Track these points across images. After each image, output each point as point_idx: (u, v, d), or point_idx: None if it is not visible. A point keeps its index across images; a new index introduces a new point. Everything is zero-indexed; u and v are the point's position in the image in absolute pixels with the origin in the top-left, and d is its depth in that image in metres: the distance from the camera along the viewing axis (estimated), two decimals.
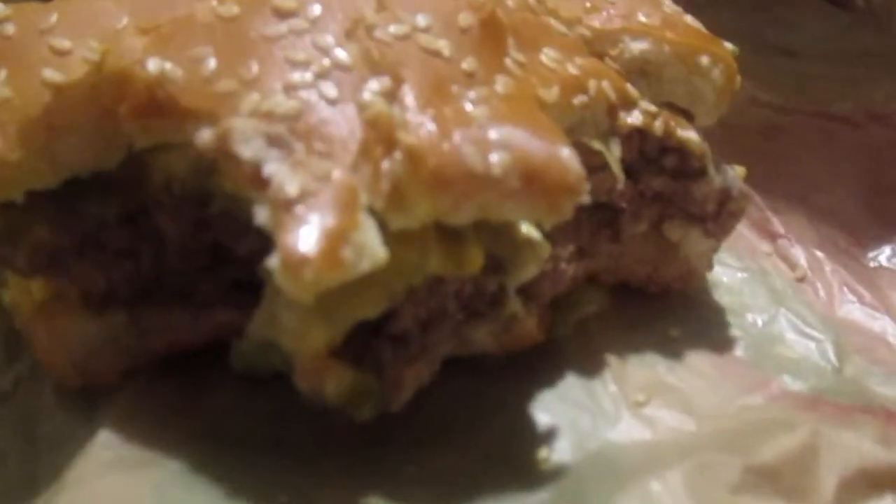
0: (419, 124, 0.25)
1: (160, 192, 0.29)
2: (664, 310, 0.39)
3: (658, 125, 0.34)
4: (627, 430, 0.31)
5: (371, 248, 0.23)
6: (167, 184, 0.29)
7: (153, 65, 0.25)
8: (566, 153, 0.26)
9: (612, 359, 0.35)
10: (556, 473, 0.28)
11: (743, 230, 0.43)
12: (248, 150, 0.24)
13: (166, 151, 0.28)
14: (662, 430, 0.31)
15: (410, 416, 0.30)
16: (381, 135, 0.25)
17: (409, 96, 0.25)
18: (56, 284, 0.27)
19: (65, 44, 0.26)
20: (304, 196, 0.23)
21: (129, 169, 0.29)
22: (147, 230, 0.29)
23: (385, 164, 0.24)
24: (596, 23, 0.35)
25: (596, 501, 0.24)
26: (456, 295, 0.29)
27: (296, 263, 0.22)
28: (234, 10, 0.27)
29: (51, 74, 0.25)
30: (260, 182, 0.24)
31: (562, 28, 0.34)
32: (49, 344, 0.29)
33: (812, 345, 0.37)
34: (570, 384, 0.34)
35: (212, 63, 0.26)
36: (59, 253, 0.27)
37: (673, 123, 0.35)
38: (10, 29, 0.27)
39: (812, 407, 0.31)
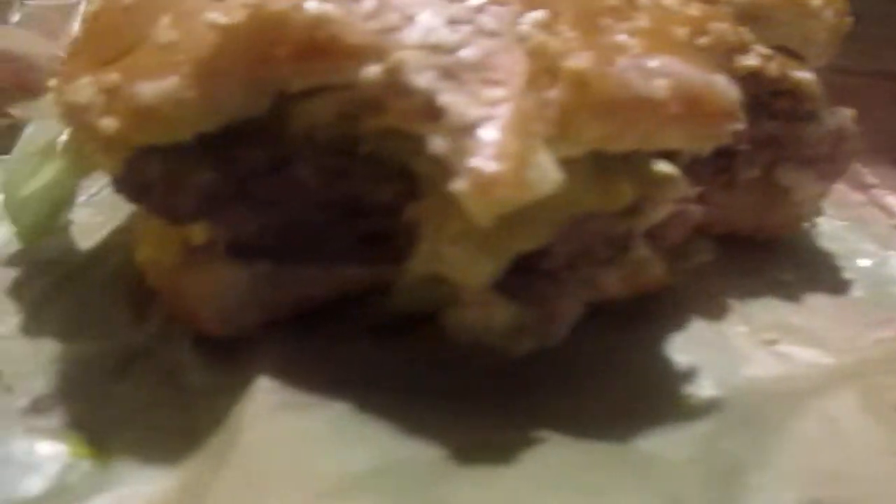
0: (581, 53, 0.25)
1: (301, 142, 0.29)
2: (774, 257, 0.39)
3: (772, 67, 0.35)
4: (765, 367, 0.31)
5: (550, 171, 0.23)
6: (309, 132, 0.29)
7: (312, 5, 0.26)
8: (722, 80, 0.26)
9: (733, 302, 0.36)
10: (711, 406, 0.28)
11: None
12: (422, 80, 0.24)
13: (312, 98, 0.29)
14: (801, 364, 0.31)
15: (548, 363, 0.31)
16: (543, 64, 0.25)
17: (566, 27, 0.26)
18: (211, 232, 0.28)
19: None
20: (483, 122, 0.23)
21: (271, 118, 0.29)
22: (288, 181, 0.30)
23: (550, 93, 0.25)
24: None
25: (768, 427, 0.24)
26: (597, 235, 0.30)
27: (486, 183, 0.22)
28: None
29: (215, 17, 0.25)
30: (434, 112, 0.24)
31: None
32: (197, 294, 0.30)
33: None
34: (698, 327, 0.34)
35: (368, 3, 0.26)
36: (219, 198, 0.27)
37: (787, 65, 0.35)
38: None
39: None
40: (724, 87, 0.26)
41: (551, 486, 0.21)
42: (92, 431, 0.27)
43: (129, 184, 0.27)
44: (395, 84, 0.24)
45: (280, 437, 0.23)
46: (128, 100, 0.24)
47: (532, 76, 0.25)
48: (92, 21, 0.28)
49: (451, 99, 0.24)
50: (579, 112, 0.24)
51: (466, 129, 0.23)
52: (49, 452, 0.26)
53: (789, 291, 0.36)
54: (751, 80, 0.35)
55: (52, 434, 0.27)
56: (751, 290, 0.36)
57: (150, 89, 0.24)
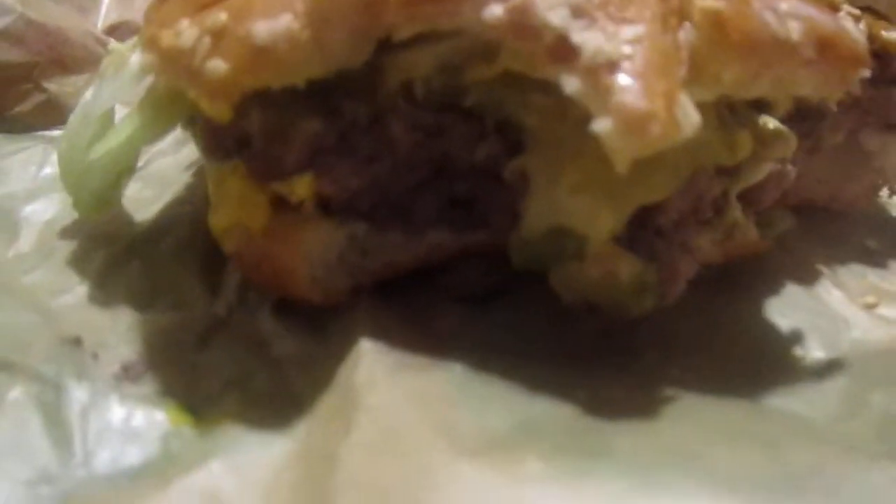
0: None
1: (396, 98, 0.28)
2: (853, 225, 0.38)
3: (862, 27, 0.34)
4: (870, 329, 0.30)
5: (692, 113, 0.22)
6: (406, 87, 0.28)
7: None
8: (851, 26, 0.25)
9: (822, 268, 0.35)
10: (832, 366, 0.27)
11: None
12: (554, 18, 0.23)
13: (412, 50, 0.27)
14: None
15: (650, 328, 0.30)
16: (675, 4, 0.24)
17: None
18: (313, 187, 0.26)
19: None
20: (623, 58, 0.22)
21: (370, 71, 0.28)
22: (383, 137, 0.29)
23: (682, 34, 0.24)
24: None
25: None
26: (707, 191, 0.29)
27: (639, 121, 0.21)
28: None
29: None
30: (567, 52, 0.23)
31: None
32: (290, 257, 0.28)
33: None
34: (794, 292, 0.33)
35: None
36: (323, 150, 0.26)
37: (875, 26, 0.35)
38: None
39: None
40: (855, 34, 0.25)
41: (719, 436, 0.20)
42: (187, 400, 0.26)
43: (227, 134, 0.25)
44: (521, 24, 0.23)
45: (405, 397, 0.22)
46: (240, 40, 0.23)
47: (664, 15, 0.24)
48: None
49: (586, 37, 0.23)
50: (716, 53, 0.23)
51: (606, 67, 0.22)
52: (148, 420, 0.24)
53: (876, 257, 0.36)
54: None
55: (147, 401, 0.25)
56: (837, 256, 0.36)
57: (265, 28, 0.23)
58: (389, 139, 0.28)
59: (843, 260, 0.36)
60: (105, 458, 0.23)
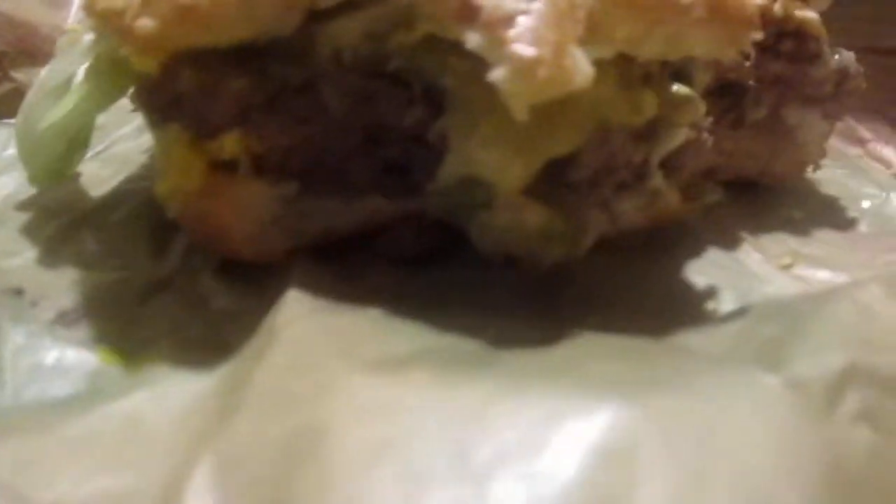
0: None
1: (328, 65, 0.30)
2: (781, 198, 0.40)
3: (777, 7, 0.36)
4: (783, 286, 0.32)
5: (584, 64, 0.24)
6: (336, 55, 0.30)
7: None
8: None
9: (745, 235, 0.37)
10: (740, 312, 0.28)
11: (830, 139, 0.45)
12: None
13: (340, 17, 0.29)
14: (818, 283, 0.32)
15: (574, 287, 0.31)
16: None
17: None
18: (241, 144, 0.28)
19: None
20: (519, 13, 0.24)
21: (300, 39, 0.30)
22: (315, 102, 0.30)
23: None
24: None
25: (802, 314, 0.24)
26: (620, 152, 0.30)
27: (528, 66, 0.22)
28: None
29: None
30: (469, 11, 0.24)
31: None
32: (224, 215, 0.29)
33: None
34: (715, 255, 0.35)
35: None
36: (251, 108, 0.28)
37: (791, 6, 0.37)
38: None
39: None
40: None
41: (598, 357, 0.22)
42: (121, 345, 0.27)
43: (161, 92, 0.27)
44: None
45: (317, 330, 0.23)
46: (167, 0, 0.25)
47: None
48: None
49: None
50: (609, 10, 0.25)
51: (502, 20, 0.24)
52: (78, 359, 0.26)
53: (799, 227, 0.37)
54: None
55: (80, 344, 0.27)
56: (761, 225, 0.37)
57: None
58: (320, 103, 0.30)
59: (767, 228, 0.37)
60: (33, 391, 0.24)
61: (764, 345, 0.22)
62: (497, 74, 0.23)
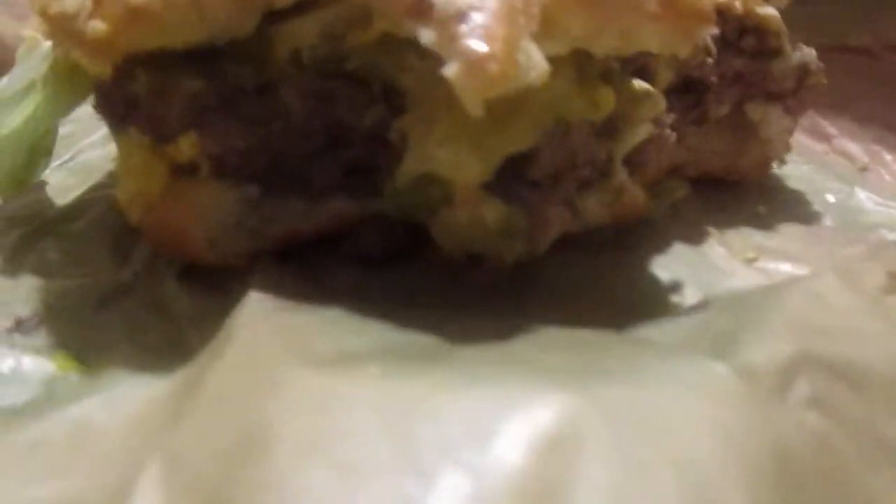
0: None
1: (286, 66, 0.30)
2: (747, 194, 0.40)
3: (738, 5, 0.36)
4: (746, 279, 0.32)
5: (538, 60, 0.24)
6: (294, 56, 0.30)
7: None
8: None
9: (711, 230, 0.37)
10: (700, 306, 0.28)
11: (796, 135, 0.46)
12: None
13: (296, 18, 0.29)
14: (780, 276, 0.32)
15: (537, 284, 0.31)
16: None
17: None
18: (198, 147, 0.28)
19: None
20: (471, 10, 0.24)
21: (258, 41, 0.29)
22: (273, 103, 0.30)
23: None
24: None
25: (757, 305, 0.24)
26: (580, 149, 0.31)
27: (480, 62, 0.22)
28: None
29: None
30: (423, 9, 0.24)
31: None
32: (184, 219, 0.29)
33: (894, 212, 0.39)
34: (679, 250, 0.35)
35: None
36: (206, 110, 0.27)
37: (751, 3, 0.37)
38: None
39: None
40: None
41: (554, 347, 0.22)
42: (79, 351, 0.27)
43: (116, 96, 0.27)
44: None
45: (273, 330, 0.23)
46: (118, 1, 0.25)
47: None
48: None
49: None
50: (563, 7, 0.25)
51: (455, 17, 0.24)
52: (35, 366, 0.25)
53: (764, 221, 0.38)
54: (718, 18, 0.37)
55: (37, 351, 0.26)
56: (727, 220, 0.38)
57: None
58: (279, 104, 0.30)
59: (733, 223, 0.38)
60: None
61: (718, 335, 0.22)
62: (450, 70, 0.23)
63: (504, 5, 0.24)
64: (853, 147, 0.46)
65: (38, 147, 0.35)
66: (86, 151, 0.45)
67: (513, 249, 0.27)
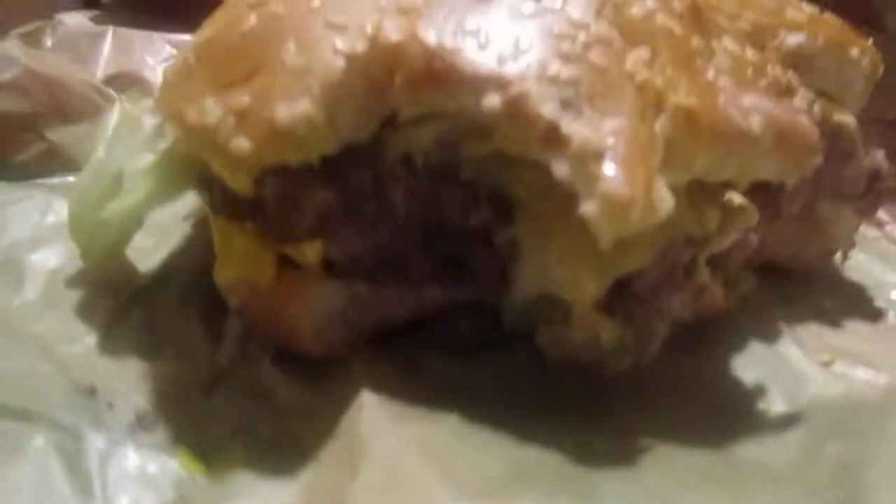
0: (687, 90, 0.27)
1: (396, 167, 0.31)
2: (810, 285, 0.41)
3: (816, 110, 0.38)
4: (827, 385, 0.33)
5: (667, 197, 0.25)
6: (406, 158, 0.30)
7: (429, 37, 0.27)
8: (805, 119, 0.29)
9: (783, 326, 0.38)
10: (792, 419, 0.29)
11: None
12: (546, 110, 0.25)
13: (413, 126, 0.30)
14: (859, 383, 0.33)
15: (626, 384, 0.32)
16: (650, 99, 0.27)
17: (666, 65, 0.28)
18: (323, 251, 0.28)
19: (340, 19, 0.28)
20: (608, 149, 0.25)
21: (372, 143, 0.30)
22: (385, 203, 0.31)
23: (657, 125, 0.27)
24: (753, 17, 0.38)
25: (863, 430, 0.25)
26: (680, 260, 0.32)
27: (622, 206, 0.23)
28: None
29: (341, 45, 0.26)
30: (557, 139, 0.25)
31: (726, 21, 0.38)
32: (296, 314, 0.30)
33: None
34: (756, 349, 0.36)
35: (481, 36, 0.28)
36: (332, 218, 0.28)
37: (829, 108, 0.38)
38: (279, 8, 0.28)
39: None
40: (809, 126, 0.28)
41: (692, 481, 0.23)
42: (197, 447, 0.27)
43: (247, 201, 0.28)
44: (516, 112, 0.26)
45: (406, 444, 0.24)
46: (263, 121, 0.25)
47: (642, 109, 0.27)
48: (207, 45, 0.29)
49: (574, 127, 0.25)
50: (688, 143, 0.26)
51: (593, 156, 0.25)
52: (162, 467, 0.26)
53: (831, 317, 0.39)
54: None
55: (160, 449, 0.27)
56: (795, 315, 0.39)
57: (286, 111, 0.25)
58: (390, 205, 0.31)
59: (801, 318, 0.39)
60: (124, 503, 0.24)
61: (833, 467, 0.23)
62: (588, 209, 0.24)
63: (636, 144, 0.25)
64: None
65: (129, 228, 0.35)
66: (156, 210, 0.45)
67: (620, 363, 0.28)
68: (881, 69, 0.40)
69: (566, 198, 0.27)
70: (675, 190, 0.28)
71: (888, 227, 0.48)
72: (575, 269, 0.27)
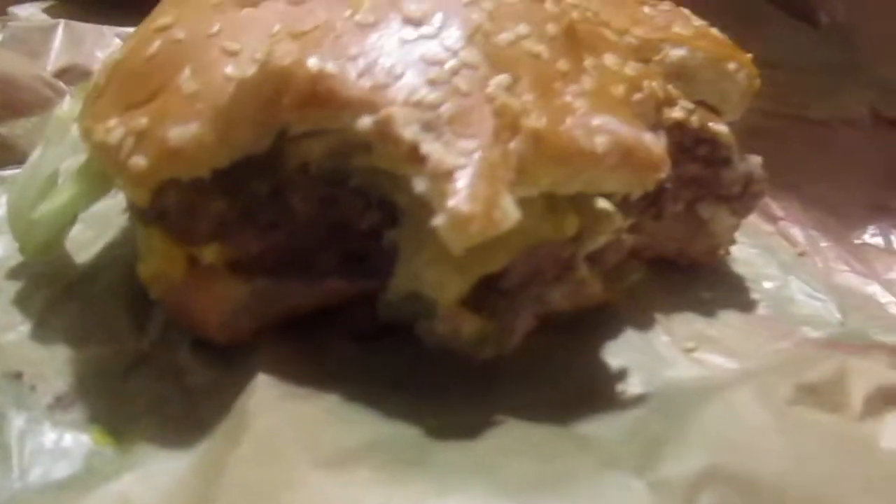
0: (538, 113, 0.30)
1: (295, 175, 0.34)
2: (695, 278, 0.45)
3: (694, 119, 0.41)
4: (684, 369, 0.37)
5: (511, 211, 0.29)
6: (303, 167, 0.34)
7: (313, 62, 0.30)
8: (650, 137, 0.32)
9: (659, 316, 0.42)
10: (639, 400, 0.33)
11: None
12: (408, 132, 0.29)
13: (307, 138, 0.33)
14: (713, 368, 0.37)
15: (505, 365, 0.36)
16: (506, 121, 0.30)
17: (525, 90, 0.31)
18: (221, 252, 0.32)
19: (234, 46, 0.31)
20: (458, 169, 0.28)
21: (271, 154, 0.34)
22: (284, 207, 0.34)
23: (511, 146, 0.30)
24: (641, 33, 0.41)
25: (683, 413, 0.29)
26: (546, 259, 0.35)
27: (463, 221, 0.27)
28: (370, 18, 0.32)
29: (231, 71, 0.30)
30: (418, 159, 0.29)
31: (613, 37, 0.41)
32: (202, 306, 0.34)
33: (819, 304, 0.44)
34: (629, 336, 0.40)
35: (361, 62, 0.31)
36: (228, 223, 0.32)
37: (706, 118, 0.42)
38: (181, 34, 0.31)
39: (832, 347, 0.38)
40: (652, 143, 0.32)
41: (511, 454, 0.26)
42: (110, 424, 0.31)
43: (151, 209, 0.31)
44: (384, 133, 0.29)
45: (285, 421, 0.28)
46: (157, 142, 0.29)
47: (497, 131, 0.30)
48: (116, 68, 0.32)
49: (432, 148, 0.29)
50: (537, 162, 0.29)
51: (445, 174, 0.28)
52: (75, 441, 0.30)
53: (706, 308, 0.43)
54: (676, 130, 0.42)
55: (75, 426, 0.31)
56: (675, 306, 0.42)
57: (177, 133, 0.29)
58: (289, 209, 0.34)
59: (680, 308, 0.42)
60: (37, 474, 0.28)
61: (646, 443, 0.27)
62: (438, 221, 0.28)
63: (485, 163, 0.29)
64: (796, 231, 0.51)
65: (65, 223, 0.39)
66: (97, 204, 0.48)
67: (483, 352, 0.32)
68: (758, 82, 0.43)
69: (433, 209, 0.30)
70: (529, 202, 0.31)
71: (781, 223, 0.52)
72: (441, 271, 0.30)
